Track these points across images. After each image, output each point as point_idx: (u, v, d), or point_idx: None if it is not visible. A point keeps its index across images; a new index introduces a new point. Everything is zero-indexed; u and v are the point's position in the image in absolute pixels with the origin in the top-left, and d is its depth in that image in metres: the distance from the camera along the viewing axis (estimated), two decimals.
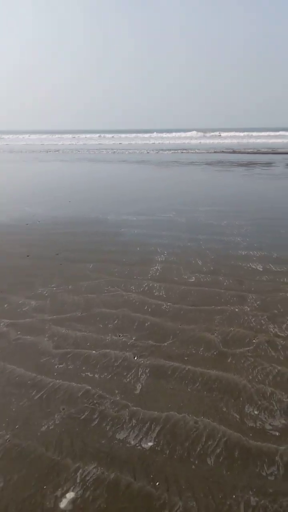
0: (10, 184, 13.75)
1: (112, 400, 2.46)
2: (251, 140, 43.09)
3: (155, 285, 4.31)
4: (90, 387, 2.60)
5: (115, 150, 31.03)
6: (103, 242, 6.03)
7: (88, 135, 61.36)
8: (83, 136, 60.51)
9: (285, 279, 4.40)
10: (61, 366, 2.85)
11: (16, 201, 9.85)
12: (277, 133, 53.58)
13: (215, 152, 27.84)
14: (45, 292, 4.18)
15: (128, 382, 2.65)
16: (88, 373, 2.75)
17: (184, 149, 31.36)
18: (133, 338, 3.19)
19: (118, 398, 2.48)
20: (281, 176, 14.46)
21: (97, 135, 61.61)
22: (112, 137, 56.52)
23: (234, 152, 27.80)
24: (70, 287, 4.31)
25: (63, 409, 2.41)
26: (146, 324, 3.42)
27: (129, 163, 20.53)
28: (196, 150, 30.41)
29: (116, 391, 2.55)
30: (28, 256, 5.44)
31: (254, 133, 55.13)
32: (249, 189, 11.45)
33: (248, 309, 3.67)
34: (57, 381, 2.68)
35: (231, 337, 3.18)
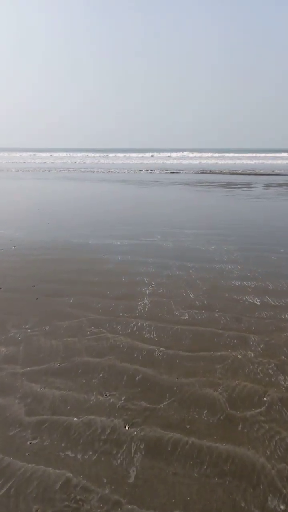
0: None
1: (99, 495, 1.93)
2: (228, 161, 43.98)
3: (145, 324, 3.82)
4: (71, 474, 2.05)
5: (94, 170, 30.78)
6: (85, 271, 5.52)
7: (56, 154, 61.02)
8: (60, 154, 60.12)
9: (286, 315, 4.02)
10: (34, 442, 2.29)
11: None
12: (253, 155, 55.05)
13: (198, 172, 28.01)
14: (18, 335, 3.62)
15: (119, 464, 2.12)
16: (69, 452, 2.21)
17: (165, 169, 31.47)
18: (123, 398, 2.68)
19: (107, 491, 1.95)
20: (261, 198, 14.42)
21: (67, 153, 61.33)
22: (94, 156, 56.46)
23: (213, 173, 28.06)
24: (47, 328, 3.77)
25: (37, 510, 1.86)
26: (137, 378, 2.92)
27: (109, 182, 20.21)
28: (177, 170, 30.56)
29: (105, 480, 2.02)
30: (0, 288, 4.85)
31: (229, 154, 56.47)
32: (231, 211, 11.25)
33: (252, 355, 3.23)
34: (30, 465, 2.12)
35: (238, 394, 2.71)
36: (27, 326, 3.80)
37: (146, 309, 4.18)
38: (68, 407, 2.59)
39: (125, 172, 28.33)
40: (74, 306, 4.28)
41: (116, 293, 4.65)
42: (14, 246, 6.91)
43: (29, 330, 3.71)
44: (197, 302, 4.37)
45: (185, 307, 4.23)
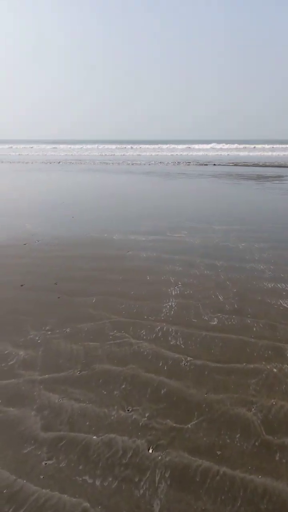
0: (10, 196, 13.10)
1: None
2: (256, 153, 42.68)
3: (170, 329, 3.58)
4: (88, 504, 1.86)
5: (120, 162, 30.59)
6: (108, 269, 5.32)
7: (89, 146, 61.05)
8: (87, 146, 60.17)
9: None
10: (50, 462, 2.11)
11: (15, 216, 9.19)
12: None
13: (227, 164, 27.29)
14: (37, 338, 3.46)
15: (142, 495, 1.90)
16: (87, 477, 2.01)
17: (193, 161, 30.86)
18: (146, 415, 2.45)
19: None
20: None
21: (96, 145, 61.28)
22: (116, 148, 56.20)
23: (243, 165, 27.24)
24: (68, 330, 3.60)
25: None
26: (162, 392, 2.68)
27: (135, 175, 19.95)
28: (205, 162, 29.89)
29: None
30: (22, 285, 4.73)
31: (258, 146, 54.82)
32: (263, 205, 10.74)
33: None
34: (44, 490, 1.94)
35: (275, 416, 2.43)
36: (47, 328, 3.64)
37: (172, 312, 3.93)
38: (87, 423, 2.40)
39: (150, 164, 27.96)
40: (97, 307, 4.09)
41: (140, 293, 4.43)
42: (38, 241, 6.81)
43: (49, 333, 3.55)
44: (227, 306, 4.07)
45: (214, 311, 3.95)
